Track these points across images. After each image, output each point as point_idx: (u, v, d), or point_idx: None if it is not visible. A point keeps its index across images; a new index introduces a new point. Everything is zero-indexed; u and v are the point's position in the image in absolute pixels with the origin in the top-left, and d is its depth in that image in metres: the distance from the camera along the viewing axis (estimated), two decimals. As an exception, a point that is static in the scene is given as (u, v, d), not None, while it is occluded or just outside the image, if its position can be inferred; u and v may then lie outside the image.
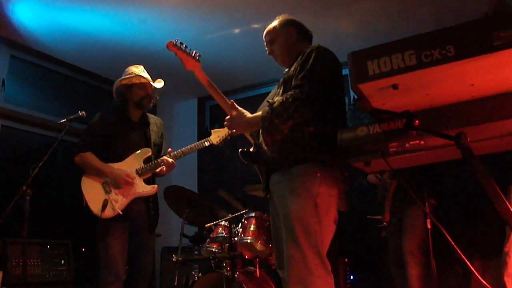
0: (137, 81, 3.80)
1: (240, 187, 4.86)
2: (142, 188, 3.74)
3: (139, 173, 3.74)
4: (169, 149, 3.89)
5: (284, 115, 2.44)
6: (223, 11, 5.08)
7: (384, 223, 4.72)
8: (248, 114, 2.67)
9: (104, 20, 5.15)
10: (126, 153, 3.78)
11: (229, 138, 3.88)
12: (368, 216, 5.01)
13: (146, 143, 3.89)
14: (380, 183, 4.70)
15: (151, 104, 3.94)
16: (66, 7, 4.86)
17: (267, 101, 2.58)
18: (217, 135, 3.90)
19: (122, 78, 3.85)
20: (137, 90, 3.82)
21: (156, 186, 3.82)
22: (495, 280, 3.03)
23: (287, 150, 2.53)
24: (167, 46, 2.73)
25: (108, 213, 3.56)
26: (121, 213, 3.59)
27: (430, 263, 3.88)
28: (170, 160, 3.80)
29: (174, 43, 2.73)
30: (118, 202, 3.63)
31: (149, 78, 3.90)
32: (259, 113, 2.60)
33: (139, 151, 3.82)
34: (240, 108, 2.71)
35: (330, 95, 2.56)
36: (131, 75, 3.82)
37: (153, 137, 3.97)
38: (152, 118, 4.08)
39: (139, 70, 3.89)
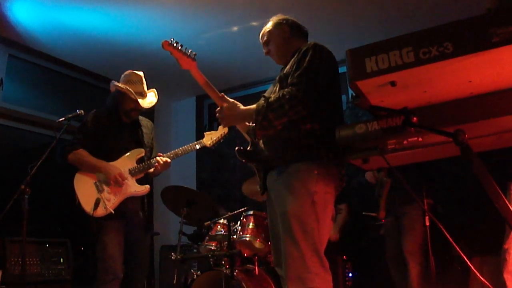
0: (129, 95, 3.79)
1: (239, 185, 4.87)
2: (135, 188, 3.76)
3: (132, 173, 3.77)
4: (159, 154, 3.90)
5: (279, 111, 2.44)
6: (222, 9, 5.08)
7: (383, 220, 4.73)
8: (241, 106, 2.67)
9: (102, 18, 5.15)
10: (119, 153, 3.80)
11: (222, 140, 3.95)
12: (363, 213, 5.02)
13: (138, 144, 3.91)
14: (376, 181, 4.71)
15: (138, 116, 3.98)
16: (64, 6, 4.86)
17: (263, 96, 2.58)
18: (210, 137, 3.95)
19: (118, 83, 3.85)
20: (128, 101, 3.83)
21: (148, 186, 3.84)
22: (494, 277, 3.03)
23: (284, 148, 2.53)
24: (162, 46, 2.72)
25: (100, 211, 3.58)
26: (113, 212, 3.60)
27: (429, 261, 3.89)
28: (164, 159, 3.83)
29: (170, 42, 2.72)
30: (111, 201, 3.64)
31: (144, 90, 3.90)
32: (252, 106, 2.60)
33: (132, 151, 3.84)
34: (231, 100, 2.71)
35: (326, 93, 2.56)
36: (125, 86, 3.80)
37: (145, 138, 3.99)
38: (143, 120, 4.10)
39: (137, 80, 3.88)
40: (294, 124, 2.49)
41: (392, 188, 4.47)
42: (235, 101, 2.70)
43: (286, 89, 2.48)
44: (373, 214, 4.74)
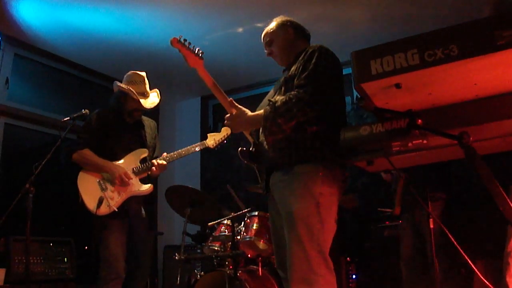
0: (131, 96, 3.81)
1: (243, 185, 4.87)
2: (138, 187, 3.78)
3: (136, 172, 3.79)
4: (164, 154, 3.93)
5: (287, 115, 2.44)
6: (227, 10, 5.08)
7: (387, 223, 4.69)
8: (249, 113, 2.67)
9: (108, 18, 5.16)
10: (122, 152, 3.83)
11: (225, 142, 4.02)
12: (378, 209, 4.98)
13: (142, 144, 3.94)
14: (392, 177, 4.64)
15: (141, 116, 4.00)
16: (70, 5, 4.87)
17: (269, 100, 2.58)
18: (213, 139, 4.00)
19: (121, 84, 3.87)
20: (130, 101, 3.85)
21: (151, 185, 3.85)
22: (498, 280, 3.03)
23: (289, 149, 2.53)
24: (171, 43, 2.69)
25: (104, 210, 3.57)
26: (116, 209, 3.60)
27: (433, 263, 3.87)
28: (160, 162, 3.84)
29: (178, 39, 2.70)
30: (114, 199, 3.65)
31: (146, 90, 3.93)
32: (260, 112, 2.59)
33: (136, 151, 3.87)
34: (240, 106, 2.70)
35: (332, 95, 2.57)
36: (128, 87, 3.82)
37: (148, 138, 4.01)
38: (147, 121, 4.13)
39: (139, 81, 3.91)
40: (300, 126, 2.49)
41: (408, 184, 4.39)
42: (243, 108, 2.70)
43: (292, 92, 2.48)
44: (389, 210, 4.69)
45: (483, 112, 1.68)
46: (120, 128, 3.88)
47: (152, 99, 3.97)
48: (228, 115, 2.70)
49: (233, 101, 2.70)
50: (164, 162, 3.86)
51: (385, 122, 1.80)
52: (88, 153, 3.72)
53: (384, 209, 4.86)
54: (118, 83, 3.87)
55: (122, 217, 3.68)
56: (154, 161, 3.83)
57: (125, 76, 3.94)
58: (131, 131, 3.94)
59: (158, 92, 4.06)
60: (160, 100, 4.04)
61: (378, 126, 1.82)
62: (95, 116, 3.87)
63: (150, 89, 3.99)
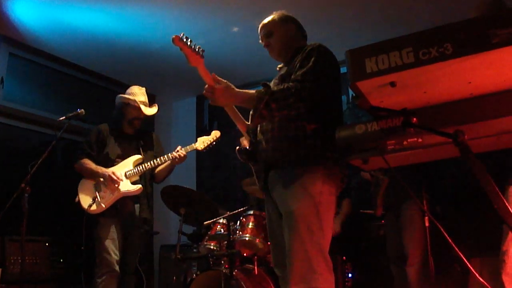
0: (132, 104, 4.26)
1: (239, 185, 4.87)
2: (127, 188, 4.09)
3: (127, 175, 4.11)
4: (179, 147, 4.21)
5: (282, 103, 2.42)
6: (223, 9, 5.08)
7: (381, 221, 4.71)
8: (236, 88, 2.57)
9: (103, 18, 5.15)
10: (118, 159, 4.20)
11: (214, 144, 4.26)
12: (361, 211, 5.01)
13: (138, 153, 4.29)
14: (372, 179, 4.67)
15: (140, 125, 4.38)
16: (65, 4, 4.86)
17: (264, 83, 2.54)
18: (202, 142, 4.27)
19: (123, 95, 4.30)
20: (131, 110, 4.29)
21: (140, 186, 4.12)
22: (493, 278, 3.03)
23: (289, 148, 2.53)
24: (173, 41, 2.53)
25: (95, 208, 4.02)
26: (104, 206, 3.98)
27: (428, 261, 3.89)
28: (180, 152, 4.12)
29: (180, 37, 2.60)
30: (105, 198, 4.06)
31: (146, 101, 4.33)
32: (251, 90, 2.54)
33: (130, 157, 4.28)
34: (225, 81, 2.58)
35: (330, 94, 2.56)
36: (129, 96, 4.29)
37: (145, 148, 4.35)
38: (149, 133, 4.57)
39: (140, 92, 4.35)
40: (299, 125, 2.49)
41: (390, 186, 4.44)
42: (229, 82, 2.58)
43: (290, 83, 2.46)
44: (370, 212, 4.73)
45: (478, 111, 1.68)
46: (117, 138, 4.28)
47: (152, 109, 4.36)
48: (207, 86, 2.55)
49: (216, 76, 2.57)
50: (184, 152, 4.15)
51: (380, 121, 1.80)
52: (86, 162, 4.17)
53: (366, 210, 4.89)
54: (121, 95, 4.31)
55: (113, 215, 4.05)
56: (175, 152, 4.12)
57: (126, 90, 4.35)
58: (128, 141, 4.32)
59: (157, 106, 4.45)
60: (158, 110, 4.43)
61: (373, 124, 1.82)
62: (95, 129, 4.31)
63: (149, 98, 4.40)
